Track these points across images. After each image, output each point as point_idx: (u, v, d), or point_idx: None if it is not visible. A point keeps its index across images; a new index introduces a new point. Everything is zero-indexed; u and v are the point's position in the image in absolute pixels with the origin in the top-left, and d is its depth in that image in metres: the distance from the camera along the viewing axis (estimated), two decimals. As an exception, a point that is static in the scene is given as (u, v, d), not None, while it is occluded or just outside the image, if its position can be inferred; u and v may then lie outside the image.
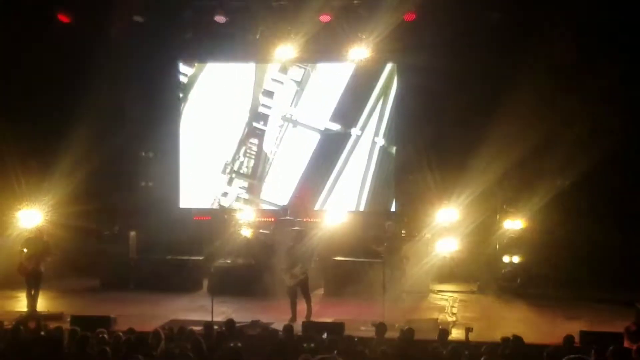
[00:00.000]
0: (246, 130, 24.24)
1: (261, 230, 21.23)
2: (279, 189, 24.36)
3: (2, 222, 20.22)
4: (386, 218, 21.41)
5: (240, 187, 24.50)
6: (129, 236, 20.74)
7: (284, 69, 23.86)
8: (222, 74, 24.16)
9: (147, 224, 21.68)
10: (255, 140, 24.34)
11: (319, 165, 23.80)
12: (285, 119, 24.08)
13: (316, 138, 23.99)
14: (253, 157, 24.40)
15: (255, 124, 24.21)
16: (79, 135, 20.65)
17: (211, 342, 11.52)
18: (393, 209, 23.07)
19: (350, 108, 23.64)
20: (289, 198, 23.56)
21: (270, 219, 22.17)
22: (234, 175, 24.46)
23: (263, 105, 24.14)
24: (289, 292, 16.51)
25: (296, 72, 23.98)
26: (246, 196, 24.45)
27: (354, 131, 23.63)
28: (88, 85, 21.30)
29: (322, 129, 23.86)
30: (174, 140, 24.17)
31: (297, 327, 14.09)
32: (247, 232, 20.88)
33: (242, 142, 24.32)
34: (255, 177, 24.44)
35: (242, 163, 24.44)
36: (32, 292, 17.50)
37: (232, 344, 10.76)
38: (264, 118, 24.20)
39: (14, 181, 20.85)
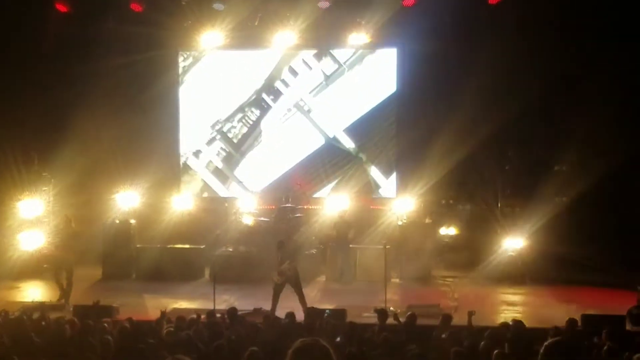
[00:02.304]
0: (253, 97, 23.84)
1: (262, 218, 21.21)
2: (254, 174, 23.92)
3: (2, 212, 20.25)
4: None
5: (218, 151, 23.99)
6: (130, 225, 20.70)
7: (318, 55, 23.58)
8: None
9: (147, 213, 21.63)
10: (257, 111, 23.97)
11: (312, 168, 23.56)
12: (297, 105, 23.76)
13: (319, 142, 23.66)
14: (247, 126, 23.98)
15: (264, 95, 23.84)
16: (78, 126, 20.59)
17: (214, 329, 11.52)
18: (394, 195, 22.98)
19: (369, 130, 23.39)
20: (289, 186, 23.18)
21: (270, 207, 22.10)
22: (218, 136, 24.06)
23: (282, 80, 23.74)
24: (274, 288, 15.70)
25: (329, 65, 23.58)
26: (219, 164, 24.05)
27: (361, 155, 23.58)
28: (90, 74, 21.27)
29: (331, 136, 23.53)
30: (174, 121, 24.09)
31: (300, 314, 14.10)
32: (248, 220, 20.88)
33: (243, 107, 23.95)
34: (239, 149, 24.02)
35: (233, 127, 24.05)
36: (63, 282, 17.65)
37: (234, 332, 10.75)
38: (276, 94, 23.81)
39: (15, 171, 20.84)
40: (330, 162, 23.71)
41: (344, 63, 23.53)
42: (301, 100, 23.74)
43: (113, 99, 21.93)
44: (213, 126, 24.04)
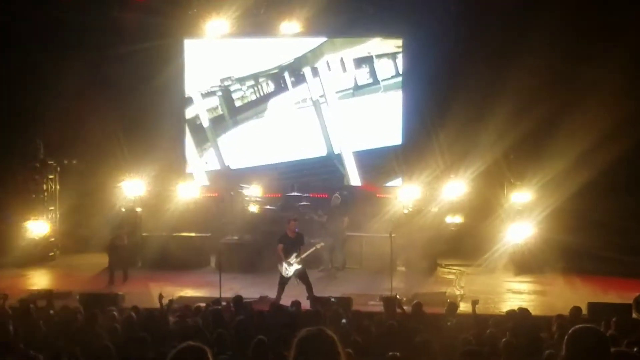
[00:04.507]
0: (274, 71, 22.98)
1: (267, 206, 21.20)
2: (237, 149, 23.15)
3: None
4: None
5: (211, 107, 23.24)
6: (136, 213, 20.70)
7: (359, 62, 22.77)
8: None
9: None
10: (272, 86, 23.10)
11: (298, 174, 22.79)
12: (315, 102, 23.02)
13: (320, 151, 23.02)
14: (256, 96, 23.10)
15: (286, 74, 22.94)
16: (84, 115, 20.61)
17: (220, 317, 11.54)
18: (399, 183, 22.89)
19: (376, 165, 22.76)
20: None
21: (276, 195, 22.06)
22: (220, 93, 23.18)
23: (312, 68, 22.94)
24: (281, 281, 15.66)
25: (364, 75, 22.77)
26: (206, 124, 23.33)
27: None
28: (95, 63, 21.26)
29: (336, 152, 22.85)
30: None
31: (306, 302, 14.11)
32: (253, 208, 20.87)
33: (259, 75, 23.02)
34: (235, 115, 23.18)
35: (241, 90, 23.10)
36: (120, 269, 18.23)
37: (240, 319, 10.76)
38: (299, 79, 22.93)
39: (21, 160, 20.87)
40: (321, 177, 22.85)
41: (382, 80, 22.80)
42: (322, 97, 23.06)
43: (119, 88, 21.90)
44: (223, 80, 23.15)
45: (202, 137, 23.62)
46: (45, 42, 21.13)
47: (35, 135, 21.33)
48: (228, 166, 22.83)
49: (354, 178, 23.07)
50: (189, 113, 23.62)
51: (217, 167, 23.51)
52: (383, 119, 22.90)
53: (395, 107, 22.89)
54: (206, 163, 23.53)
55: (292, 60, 23.04)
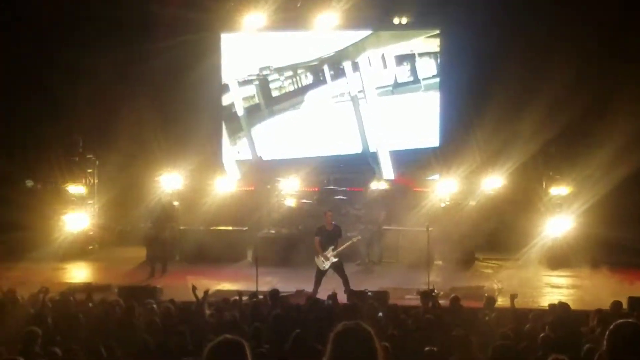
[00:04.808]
0: (314, 63, 22.66)
1: (304, 200, 21.20)
2: (270, 140, 22.92)
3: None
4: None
5: (248, 96, 22.92)
6: (174, 207, 20.80)
7: (401, 59, 22.51)
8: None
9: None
10: (310, 78, 22.81)
11: (331, 170, 22.36)
12: (354, 97, 22.79)
13: (356, 148, 22.84)
14: (294, 87, 22.80)
15: (326, 67, 22.64)
16: (122, 109, 20.76)
17: (256, 311, 11.56)
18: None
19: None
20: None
21: (313, 189, 22.02)
22: (257, 82, 22.87)
23: (353, 63, 22.66)
24: (317, 274, 15.68)
25: (405, 73, 22.50)
26: (241, 112, 23.09)
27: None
28: (133, 58, 21.39)
29: (371, 150, 22.57)
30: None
31: (343, 295, 14.09)
32: (290, 202, 20.88)
33: (299, 66, 22.75)
34: (271, 105, 22.92)
35: (279, 80, 22.76)
36: (159, 263, 18.50)
37: (276, 313, 10.77)
38: (339, 73, 22.65)
39: (61, 154, 21.08)
40: (355, 174, 22.26)
41: (422, 79, 22.58)
42: (360, 92, 22.84)
43: (156, 82, 22.00)
44: (261, 69, 22.91)
45: (236, 126, 23.46)
46: (83, 36, 21.26)
47: (74, 130, 21.51)
48: (260, 157, 22.78)
49: (389, 177, 22.77)
50: (225, 100, 23.47)
51: (249, 157, 23.40)
52: (421, 119, 22.70)
53: (434, 107, 22.69)
54: (238, 152, 23.47)
55: (332, 53, 22.81)
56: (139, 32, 21.54)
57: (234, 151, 23.59)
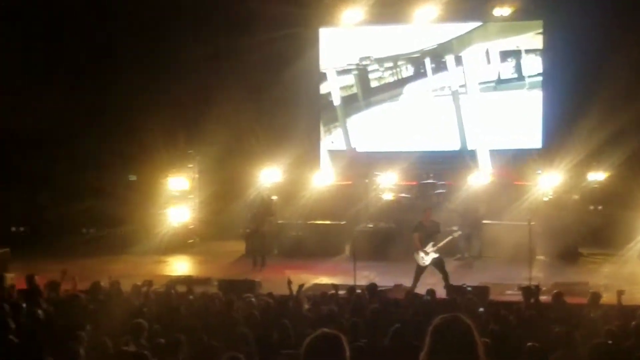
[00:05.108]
0: (415, 55, 22.27)
1: (403, 194, 21.05)
2: (365, 132, 22.65)
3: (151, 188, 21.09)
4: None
5: (345, 86, 22.72)
6: (272, 201, 20.94)
7: (505, 55, 22.05)
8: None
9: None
10: (411, 70, 22.43)
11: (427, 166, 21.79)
12: (454, 92, 22.35)
13: (454, 145, 22.42)
14: (393, 78, 22.47)
15: (427, 60, 22.19)
16: (221, 105, 21.01)
17: (354, 305, 11.51)
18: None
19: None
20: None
21: (411, 183, 21.82)
22: (356, 72, 22.65)
23: (456, 57, 22.24)
24: (417, 270, 15.39)
25: (509, 69, 22.04)
26: (337, 102, 22.92)
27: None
28: (232, 53, 21.64)
29: (469, 148, 22.03)
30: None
31: (442, 290, 13.90)
32: (388, 196, 20.76)
33: (399, 58, 22.39)
34: (369, 96, 22.66)
35: (378, 71, 22.49)
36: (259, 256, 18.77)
37: (374, 307, 10.70)
38: (440, 66, 22.22)
39: (163, 149, 21.50)
40: (453, 169, 21.61)
41: (527, 77, 22.03)
42: (462, 87, 22.44)
43: (255, 77, 22.19)
44: (362, 59, 22.70)
45: (331, 115, 23.40)
46: (183, 32, 21.62)
47: (176, 125, 21.89)
48: (354, 148, 22.65)
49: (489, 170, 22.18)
50: (321, 89, 23.43)
51: (343, 147, 23.28)
52: (523, 118, 22.15)
53: (537, 106, 22.12)
54: (332, 142, 23.42)
55: (435, 46, 22.41)
56: (237, 27, 21.77)
57: (327, 141, 23.54)
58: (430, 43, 22.39)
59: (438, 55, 22.40)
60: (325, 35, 23.30)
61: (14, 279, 14.90)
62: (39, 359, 7.74)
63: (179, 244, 21.22)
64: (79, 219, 21.63)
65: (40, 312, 10.27)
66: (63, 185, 21.29)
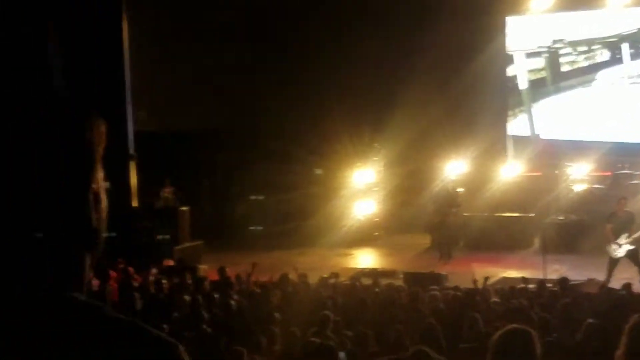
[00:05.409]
0: (612, 39, 20.68)
1: (595, 185, 20.26)
2: (551, 119, 21.66)
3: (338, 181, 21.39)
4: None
5: (533, 70, 21.83)
6: (458, 194, 20.71)
7: None
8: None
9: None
10: (605, 55, 20.94)
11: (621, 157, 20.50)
12: (632, 76, 20.87)
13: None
14: (588, 62, 21.08)
15: (624, 45, 20.58)
16: (407, 98, 20.99)
17: (545, 299, 11.21)
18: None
19: None
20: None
21: (605, 173, 20.89)
22: (546, 55, 21.58)
23: None
24: (610, 262, 14.73)
25: None
26: (524, 85, 21.95)
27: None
28: (418, 46, 21.59)
29: None
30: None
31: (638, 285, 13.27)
32: (580, 187, 20.05)
33: (594, 41, 21.04)
34: (558, 81, 21.53)
35: (571, 55, 21.26)
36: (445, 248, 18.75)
37: (566, 301, 10.36)
38: (639, 51, 20.55)
39: (349, 143, 21.75)
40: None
41: None
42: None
43: (441, 70, 21.99)
44: (555, 41, 21.63)
45: (515, 99, 22.65)
46: (373, 28, 21.77)
47: (361, 119, 22.08)
48: (538, 135, 21.91)
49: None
50: (508, 72, 22.77)
51: (526, 133, 22.52)
52: None
53: None
54: (515, 128, 22.74)
55: (634, 30, 20.80)
56: (419, 21, 21.65)
57: (510, 126, 22.89)
58: (629, 27, 20.87)
59: (638, 41, 20.87)
60: (512, 22, 22.60)
61: (207, 270, 15.58)
62: (229, 349, 8.00)
63: (365, 237, 21.41)
64: (264, 213, 22.34)
65: (232, 302, 10.65)
66: (251, 180, 22.06)
